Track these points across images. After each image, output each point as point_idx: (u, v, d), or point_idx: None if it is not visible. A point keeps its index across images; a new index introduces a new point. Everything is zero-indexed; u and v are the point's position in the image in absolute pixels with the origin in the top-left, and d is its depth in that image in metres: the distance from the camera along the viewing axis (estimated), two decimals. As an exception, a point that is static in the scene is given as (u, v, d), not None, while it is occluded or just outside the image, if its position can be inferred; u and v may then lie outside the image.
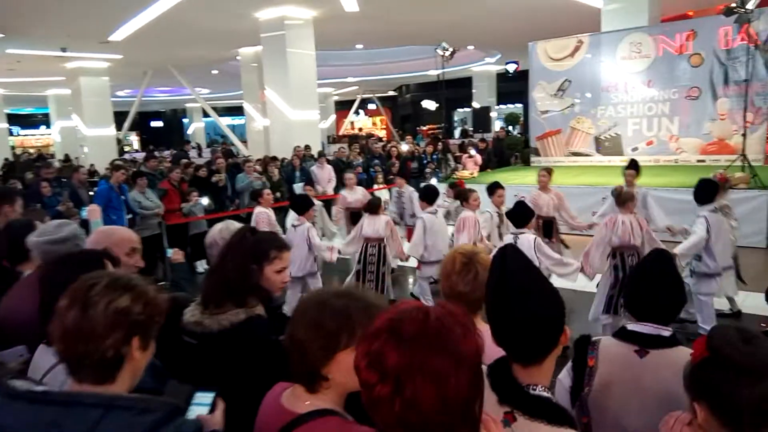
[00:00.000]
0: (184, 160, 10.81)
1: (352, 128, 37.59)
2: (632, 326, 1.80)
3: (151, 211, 7.54)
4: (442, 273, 1.93)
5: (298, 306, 1.40)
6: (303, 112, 13.43)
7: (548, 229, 6.38)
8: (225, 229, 2.64)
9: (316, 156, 10.85)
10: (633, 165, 6.76)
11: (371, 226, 5.92)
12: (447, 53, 10.43)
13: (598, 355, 1.79)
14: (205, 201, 8.11)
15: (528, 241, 4.64)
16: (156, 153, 15.51)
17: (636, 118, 11.67)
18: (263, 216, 6.40)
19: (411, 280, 7.48)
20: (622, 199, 4.93)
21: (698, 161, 10.85)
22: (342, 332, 1.29)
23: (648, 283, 1.79)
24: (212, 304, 1.95)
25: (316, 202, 6.63)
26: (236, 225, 2.67)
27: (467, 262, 1.87)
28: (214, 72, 23.43)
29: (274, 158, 10.25)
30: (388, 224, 5.98)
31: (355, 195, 7.72)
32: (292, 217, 6.13)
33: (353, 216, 7.45)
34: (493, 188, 6.09)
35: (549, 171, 6.85)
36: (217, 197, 8.51)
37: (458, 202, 6.84)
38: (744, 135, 8.59)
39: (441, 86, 11.17)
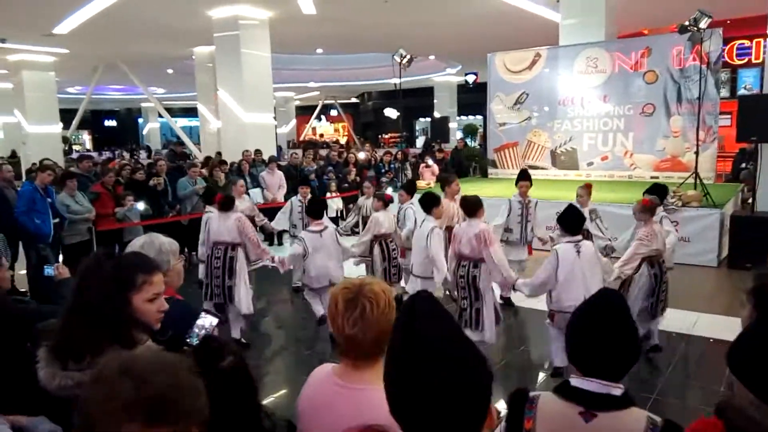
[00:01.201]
0: (123, 161, 10.21)
1: (314, 134, 37.16)
2: (577, 382, 1.50)
3: (81, 215, 7.00)
4: (328, 315, 1.60)
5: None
6: (257, 114, 12.98)
7: None
8: (149, 243, 2.21)
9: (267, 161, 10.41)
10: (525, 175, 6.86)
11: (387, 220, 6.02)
12: (404, 60, 10.20)
13: (536, 416, 1.50)
14: (141, 206, 7.61)
15: (590, 247, 4.35)
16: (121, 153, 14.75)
17: (592, 132, 11.68)
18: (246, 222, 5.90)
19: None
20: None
21: (652, 177, 10.88)
22: None
23: (595, 331, 1.49)
24: (74, 355, 1.58)
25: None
26: (161, 239, 2.28)
27: (352, 298, 1.54)
28: (169, 71, 22.70)
29: (223, 162, 9.78)
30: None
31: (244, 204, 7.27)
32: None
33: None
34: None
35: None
36: (156, 202, 8.00)
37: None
38: (697, 153, 8.62)
39: (399, 94, 10.92)
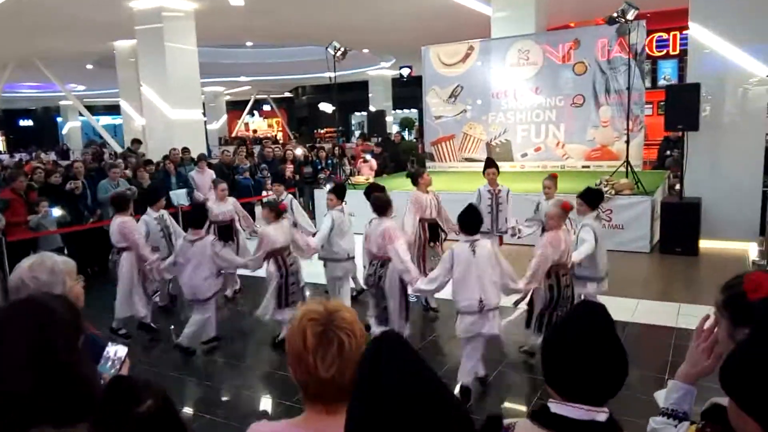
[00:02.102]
0: (36, 164, 9.43)
1: (247, 130, 36.18)
2: (557, 408, 1.33)
3: (-13, 225, 6.38)
4: (290, 353, 1.32)
5: None
6: (184, 111, 12.37)
7: (434, 232, 6.05)
8: (38, 264, 1.90)
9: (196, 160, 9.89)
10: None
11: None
12: (338, 53, 9.94)
13: None
14: (57, 212, 7.01)
15: (486, 247, 4.20)
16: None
17: (525, 124, 11.83)
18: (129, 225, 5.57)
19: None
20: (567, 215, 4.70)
21: (583, 167, 11.17)
22: None
23: (577, 350, 1.31)
24: None
25: None
26: (54, 258, 1.96)
27: (323, 331, 1.28)
28: (89, 66, 21.43)
29: (149, 162, 9.20)
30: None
31: (225, 207, 7.00)
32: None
33: (221, 231, 6.70)
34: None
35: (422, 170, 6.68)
36: (74, 207, 7.41)
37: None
38: (627, 142, 8.85)
39: (333, 88, 10.64)
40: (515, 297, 4.55)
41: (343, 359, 1.27)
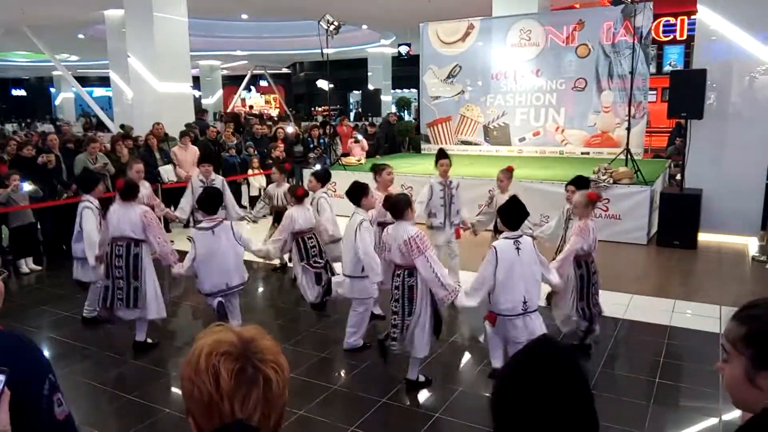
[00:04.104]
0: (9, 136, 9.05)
1: (243, 105, 35.63)
2: None
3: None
4: (191, 399, 1.02)
5: None
6: (173, 84, 11.96)
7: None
8: None
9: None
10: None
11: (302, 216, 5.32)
12: (331, 27, 9.53)
13: None
14: (28, 187, 6.69)
15: (529, 244, 3.92)
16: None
17: (524, 107, 11.47)
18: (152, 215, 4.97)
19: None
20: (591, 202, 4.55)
21: (583, 153, 10.85)
22: None
23: (535, 400, 1.02)
24: None
25: None
26: None
27: (241, 368, 1.01)
28: (81, 36, 20.89)
29: (127, 136, 8.83)
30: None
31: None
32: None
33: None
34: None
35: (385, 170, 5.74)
36: (48, 182, 7.09)
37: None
38: (628, 129, 8.52)
39: (326, 64, 10.24)
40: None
41: (269, 401, 1.01)
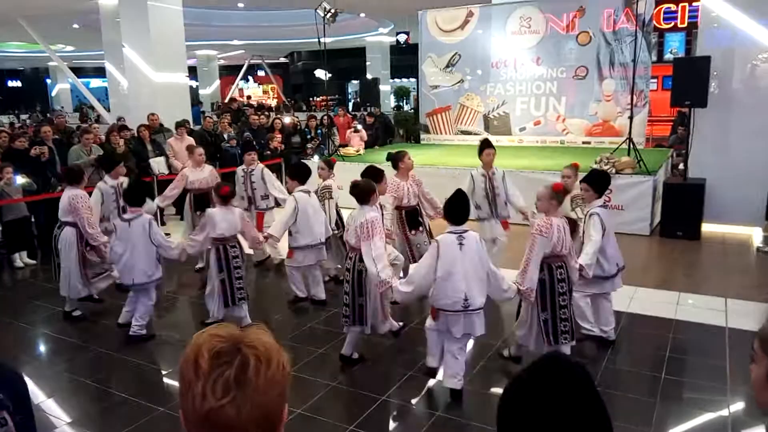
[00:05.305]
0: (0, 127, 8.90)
1: (241, 95, 35.39)
2: None
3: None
4: (182, 381, 0.95)
5: None
6: (168, 74, 11.81)
7: (413, 219, 5.57)
8: None
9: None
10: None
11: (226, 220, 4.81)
12: (328, 15, 9.36)
13: None
14: (20, 179, 6.57)
15: (475, 239, 3.72)
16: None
17: (524, 96, 11.32)
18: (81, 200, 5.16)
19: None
20: (561, 199, 3.99)
21: (584, 143, 10.73)
22: None
23: (548, 422, 0.92)
24: None
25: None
26: None
27: (225, 350, 0.93)
28: (76, 26, 20.66)
29: (124, 127, 8.70)
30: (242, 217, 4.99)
31: (202, 174, 6.58)
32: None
33: (197, 200, 6.34)
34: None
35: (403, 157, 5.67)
36: (41, 174, 6.96)
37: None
38: (631, 118, 8.39)
39: (323, 54, 10.08)
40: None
41: (245, 387, 0.91)
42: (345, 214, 5.39)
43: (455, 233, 3.69)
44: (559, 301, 3.86)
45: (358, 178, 4.59)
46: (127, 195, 4.88)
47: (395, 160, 5.55)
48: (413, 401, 3.87)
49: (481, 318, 3.77)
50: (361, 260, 4.08)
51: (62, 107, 29.65)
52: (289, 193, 5.56)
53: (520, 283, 3.83)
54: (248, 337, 0.97)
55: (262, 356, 0.94)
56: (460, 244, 3.65)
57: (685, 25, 15.81)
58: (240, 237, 5.00)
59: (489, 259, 3.81)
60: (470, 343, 4.64)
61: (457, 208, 3.74)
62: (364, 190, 4.20)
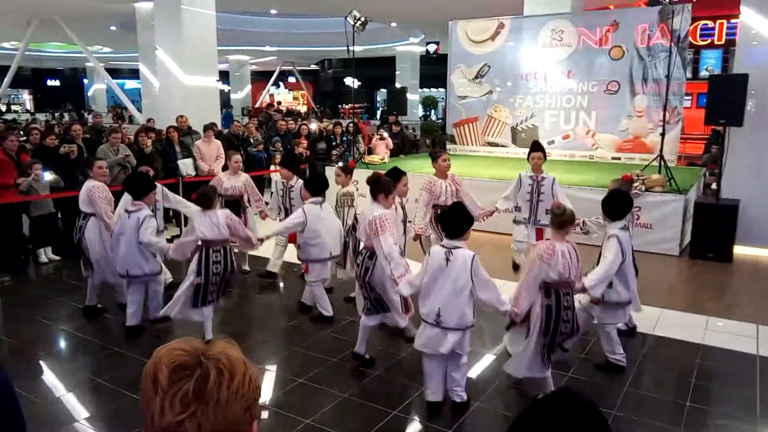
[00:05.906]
0: (32, 125, 9.11)
1: (272, 101, 35.79)
2: None
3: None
4: (142, 397, 0.91)
5: None
6: (199, 78, 11.97)
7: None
8: None
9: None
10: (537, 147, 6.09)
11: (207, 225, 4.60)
12: (358, 24, 9.37)
13: None
14: (48, 176, 6.69)
15: (464, 258, 3.51)
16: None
17: (554, 109, 11.16)
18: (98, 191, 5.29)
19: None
20: (564, 220, 3.74)
21: (613, 158, 10.51)
22: None
23: None
24: None
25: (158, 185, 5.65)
26: None
27: (187, 364, 0.89)
28: (113, 28, 21.17)
29: (150, 128, 8.81)
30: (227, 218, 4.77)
31: (236, 181, 6.53)
32: (124, 200, 5.15)
33: (228, 206, 6.29)
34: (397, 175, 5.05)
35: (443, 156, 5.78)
36: (69, 172, 7.07)
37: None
38: (663, 135, 8.18)
39: (352, 62, 10.10)
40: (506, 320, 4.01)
41: (204, 403, 0.86)
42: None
43: (445, 247, 3.60)
44: (561, 329, 3.68)
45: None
46: (128, 186, 4.95)
47: (433, 156, 5.76)
48: (424, 417, 3.77)
49: (457, 336, 3.58)
50: (369, 258, 4.20)
51: (93, 107, 30.37)
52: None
53: (513, 305, 3.73)
54: (212, 350, 0.93)
55: (225, 368, 0.90)
56: (447, 259, 3.55)
57: (723, 42, 15.47)
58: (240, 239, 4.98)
59: (487, 281, 3.56)
60: (486, 361, 4.54)
61: (450, 221, 3.64)
62: (380, 184, 4.27)
